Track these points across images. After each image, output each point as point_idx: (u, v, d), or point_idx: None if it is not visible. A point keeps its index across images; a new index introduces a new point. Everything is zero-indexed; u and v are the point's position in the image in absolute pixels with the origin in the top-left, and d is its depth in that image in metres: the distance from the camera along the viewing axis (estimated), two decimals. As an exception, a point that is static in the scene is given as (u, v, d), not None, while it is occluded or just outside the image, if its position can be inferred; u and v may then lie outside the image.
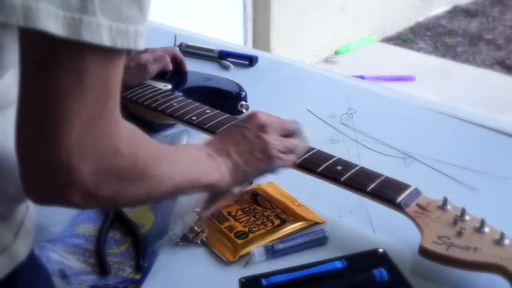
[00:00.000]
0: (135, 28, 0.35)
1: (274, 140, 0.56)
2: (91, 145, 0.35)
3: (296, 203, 0.63)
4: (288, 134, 0.58)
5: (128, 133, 0.39)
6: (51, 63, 0.33)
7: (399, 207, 0.56)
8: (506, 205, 0.63)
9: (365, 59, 2.72)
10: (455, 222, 0.53)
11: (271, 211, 0.62)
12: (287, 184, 0.65)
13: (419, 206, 0.56)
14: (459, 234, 0.51)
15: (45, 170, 0.35)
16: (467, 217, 0.53)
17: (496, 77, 2.60)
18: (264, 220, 0.60)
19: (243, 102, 0.81)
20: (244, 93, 0.82)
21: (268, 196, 0.64)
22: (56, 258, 0.55)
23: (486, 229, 0.51)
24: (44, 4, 0.31)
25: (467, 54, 2.83)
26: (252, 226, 0.59)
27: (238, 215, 0.61)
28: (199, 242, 0.57)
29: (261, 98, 0.85)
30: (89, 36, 0.33)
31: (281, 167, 0.57)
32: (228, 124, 0.58)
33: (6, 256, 0.42)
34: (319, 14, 2.61)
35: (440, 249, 0.50)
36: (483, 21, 3.20)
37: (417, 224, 0.54)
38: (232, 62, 0.99)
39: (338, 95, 0.86)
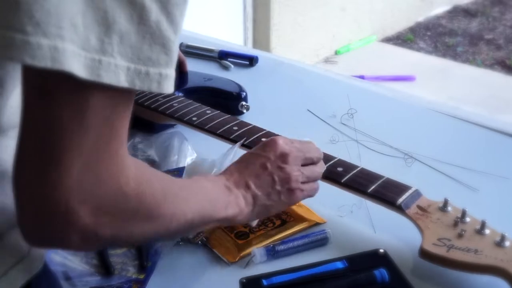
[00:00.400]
0: (158, 71, 0.34)
1: (295, 171, 0.54)
2: (91, 186, 0.34)
3: (297, 204, 0.63)
4: (308, 162, 0.56)
5: (135, 172, 0.37)
6: (53, 98, 0.32)
7: (399, 209, 0.55)
8: (507, 205, 0.63)
9: (365, 59, 2.72)
10: (455, 224, 0.52)
11: (272, 211, 0.62)
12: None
13: (419, 207, 0.56)
14: (460, 236, 0.51)
15: (42, 210, 0.33)
16: (467, 219, 0.53)
17: (496, 77, 2.60)
18: (265, 220, 0.60)
19: (244, 102, 0.81)
20: (244, 93, 0.82)
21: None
22: (59, 260, 0.54)
23: (487, 231, 0.51)
24: (68, 44, 0.30)
25: (467, 54, 2.83)
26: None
27: (239, 216, 0.61)
28: (199, 242, 0.57)
29: (261, 98, 0.85)
30: (107, 78, 0.32)
31: (302, 198, 0.56)
32: (247, 152, 0.56)
33: (21, 267, 0.40)
34: (319, 14, 2.61)
35: (441, 251, 0.50)
36: (483, 21, 3.20)
37: (418, 226, 0.54)
38: (232, 62, 0.99)
39: (338, 95, 0.86)
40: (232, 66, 0.99)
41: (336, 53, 2.77)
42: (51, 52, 0.30)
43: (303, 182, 0.55)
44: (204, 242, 0.57)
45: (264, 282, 0.50)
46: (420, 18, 3.20)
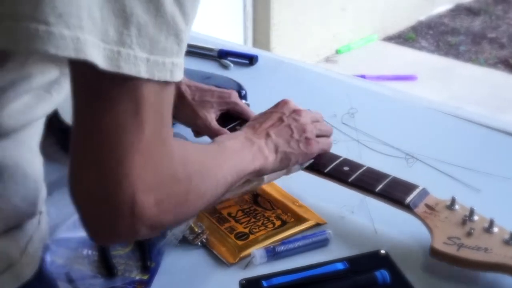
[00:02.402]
0: (171, 60, 0.35)
1: (309, 124, 0.58)
2: (152, 176, 0.35)
3: (297, 204, 0.62)
4: (317, 121, 0.61)
5: (179, 154, 0.38)
6: (109, 98, 0.33)
7: (408, 208, 0.55)
8: (509, 205, 0.63)
9: (366, 59, 2.72)
10: (464, 222, 0.52)
11: (272, 212, 0.61)
12: (288, 184, 0.64)
13: (427, 206, 0.55)
14: (469, 234, 0.51)
15: (109, 208, 0.34)
16: (475, 217, 0.53)
17: (499, 76, 2.59)
18: (265, 221, 0.60)
19: (244, 101, 0.80)
20: (244, 92, 0.82)
21: (269, 197, 0.63)
22: (61, 262, 0.54)
23: (495, 229, 0.51)
24: (88, 35, 0.31)
25: (469, 53, 2.82)
26: (252, 227, 0.59)
27: (239, 216, 0.60)
28: (199, 243, 0.57)
29: (261, 97, 0.84)
30: (127, 68, 0.33)
31: (319, 151, 0.59)
32: (260, 113, 0.60)
33: (10, 273, 0.40)
34: (320, 13, 2.60)
35: (451, 250, 0.50)
36: (486, 20, 3.19)
37: (426, 225, 0.54)
38: (232, 61, 0.99)
39: (339, 94, 0.86)
40: (232, 65, 0.98)
41: (337, 52, 2.77)
42: (73, 43, 0.30)
43: (318, 136, 0.59)
44: (203, 243, 0.57)
45: (264, 283, 0.49)
46: (422, 17, 3.19)
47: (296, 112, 0.58)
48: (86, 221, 0.36)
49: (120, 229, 0.35)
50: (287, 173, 0.60)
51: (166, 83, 0.35)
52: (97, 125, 0.33)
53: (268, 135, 0.55)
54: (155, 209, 0.35)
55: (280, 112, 0.58)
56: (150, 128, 0.34)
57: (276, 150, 0.54)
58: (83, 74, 0.33)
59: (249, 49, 1.17)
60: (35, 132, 0.44)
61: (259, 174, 0.54)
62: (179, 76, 0.36)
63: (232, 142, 0.51)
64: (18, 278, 0.41)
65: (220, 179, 0.45)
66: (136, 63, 0.33)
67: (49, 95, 0.41)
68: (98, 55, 0.32)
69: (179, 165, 0.38)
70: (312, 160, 0.60)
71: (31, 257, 0.42)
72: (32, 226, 0.44)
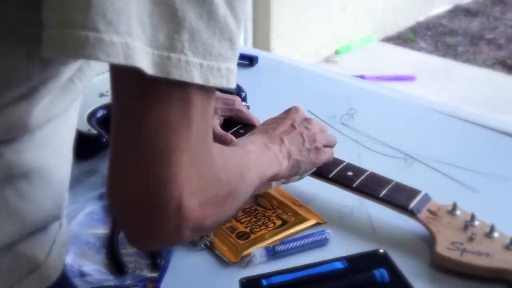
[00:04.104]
0: (226, 65, 0.35)
1: (319, 133, 0.59)
2: (196, 179, 0.34)
3: (297, 204, 0.63)
4: (324, 131, 0.61)
5: (219, 158, 0.38)
6: (158, 99, 0.32)
7: (411, 213, 0.56)
8: (507, 206, 0.63)
9: (366, 59, 2.72)
10: (465, 227, 0.53)
11: (272, 211, 0.62)
12: (288, 184, 0.65)
13: (430, 211, 0.56)
14: (471, 239, 0.52)
15: (153, 210, 0.33)
16: (476, 222, 0.53)
17: (497, 77, 2.60)
18: (266, 221, 0.60)
19: (244, 103, 0.81)
20: (244, 94, 0.82)
21: (269, 197, 0.64)
22: (72, 260, 0.54)
23: (496, 234, 0.52)
24: (137, 42, 0.31)
25: (468, 54, 2.83)
26: (253, 226, 0.59)
27: (239, 216, 0.61)
28: (202, 246, 0.57)
29: (261, 98, 0.85)
30: (177, 74, 0.32)
31: (325, 160, 0.60)
32: (270, 118, 0.60)
33: (36, 276, 0.40)
34: (319, 13, 2.60)
35: (455, 255, 0.51)
36: (484, 21, 3.20)
37: (430, 230, 0.54)
38: (233, 62, 0.99)
39: (339, 95, 0.86)
40: (232, 66, 0.98)
41: (337, 52, 2.77)
42: (123, 49, 0.30)
43: (325, 146, 0.59)
44: (208, 246, 0.57)
45: (264, 282, 0.50)
46: (421, 18, 3.19)
47: (307, 120, 0.59)
48: (128, 225, 0.35)
49: (165, 232, 0.35)
50: (286, 181, 0.60)
51: (212, 90, 0.35)
52: (142, 126, 0.33)
53: (282, 141, 0.55)
54: (200, 211, 0.35)
55: (292, 119, 0.58)
56: (197, 131, 0.34)
57: (289, 157, 0.55)
58: (128, 75, 0.32)
59: (249, 49, 1.18)
60: (63, 135, 0.44)
61: (273, 179, 0.54)
62: (234, 83, 0.35)
63: (254, 146, 0.51)
64: (43, 281, 0.41)
65: (250, 182, 0.45)
66: (188, 69, 0.32)
67: (72, 84, 0.41)
68: (145, 61, 0.31)
69: (221, 168, 0.38)
70: (313, 169, 0.61)
71: (55, 260, 0.42)
72: (55, 229, 0.44)
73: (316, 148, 0.58)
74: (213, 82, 0.34)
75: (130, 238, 0.36)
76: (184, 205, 0.34)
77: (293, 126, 0.57)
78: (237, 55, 0.36)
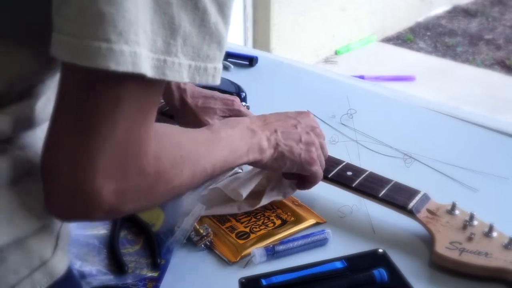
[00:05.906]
0: (213, 65, 0.38)
1: (317, 145, 0.58)
2: (116, 168, 0.36)
3: (297, 203, 0.63)
4: (323, 147, 0.60)
5: (155, 148, 0.39)
6: (94, 90, 0.34)
7: (410, 213, 0.56)
8: (506, 206, 0.63)
9: (365, 59, 2.72)
10: (464, 227, 0.53)
11: (272, 211, 0.62)
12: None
13: (429, 211, 0.56)
14: (470, 239, 0.52)
15: (70, 188, 0.36)
16: (475, 222, 0.54)
17: (496, 77, 2.60)
18: (265, 221, 0.60)
19: (243, 103, 0.81)
20: (244, 94, 0.82)
21: (269, 197, 0.64)
22: (73, 259, 0.54)
23: (495, 234, 0.52)
24: (142, 49, 0.33)
25: (467, 54, 2.83)
26: (253, 226, 0.59)
27: (239, 216, 0.61)
28: (202, 246, 0.57)
29: (261, 99, 0.85)
30: (171, 76, 0.35)
31: (314, 171, 0.58)
32: (281, 112, 0.60)
33: (44, 270, 0.40)
34: (319, 14, 2.61)
35: (454, 255, 0.51)
36: (483, 21, 3.20)
37: (428, 230, 0.55)
38: (232, 63, 0.99)
39: (338, 95, 0.86)
40: (232, 66, 0.99)
41: (336, 53, 2.77)
42: (131, 58, 0.32)
43: (319, 159, 0.58)
44: (208, 246, 0.57)
45: (263, 282, 0.50)
46: (420, 18, 3.19)
47: (312, 127, 0.58)
48: (49, 195, 0.37)
49: (78, 210, 0.37)
50: (285, 196, 0.61)
51: (152, 83, 0.35)
52: (78, 110, 0.35)
53: (275, 132, 0.55)
54: (114, 198, 0.36)
55: (297, 120, 0.58)
56: (128, 122, 0.35)
57: (276, 148, 0.54)
58: (75, 69, 0.33)
59: (249, 50, 1.18)
60: None
61: (254, 165, 0.55)
62: (219, 80, 0.38)
63: (229, 132, 0.51)
64: (51, 274, 0.41)
65: (199, 169, 0.45)
66: (180, 70, 0.35)
67: None
68: (147, 65, 0.33)
69: (152, 159, 0.38)
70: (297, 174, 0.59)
71: (62, 254, 0.43)
72: (58, 223, 0.44)
73: (310, 153, 0.57)
74: (199, 80, 0.37)
75: (48, 205, 0.38)
76: (96, 189, 0.35)
77: (295, 126, 0.57)
78: (223, 55, 0.39)
